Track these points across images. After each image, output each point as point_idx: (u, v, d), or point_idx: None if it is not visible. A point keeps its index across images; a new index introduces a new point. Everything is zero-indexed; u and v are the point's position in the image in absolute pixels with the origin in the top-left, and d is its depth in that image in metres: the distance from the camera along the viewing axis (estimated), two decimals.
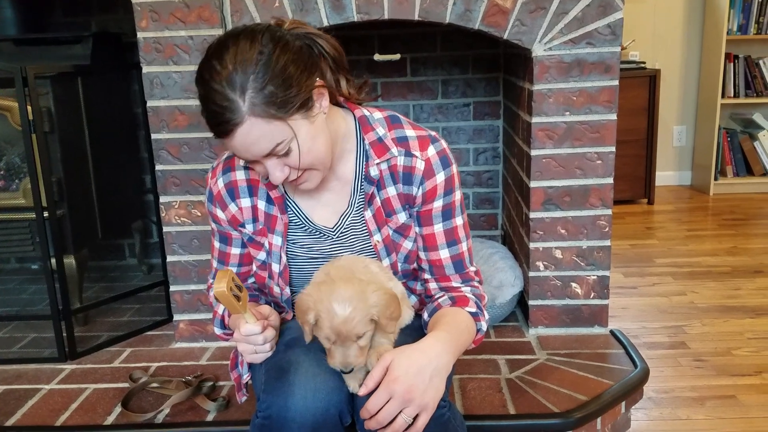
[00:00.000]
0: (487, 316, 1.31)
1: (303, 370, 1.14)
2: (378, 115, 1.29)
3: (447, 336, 1.17)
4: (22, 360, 1.99)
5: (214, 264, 1.39)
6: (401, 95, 2.60)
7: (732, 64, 4.38)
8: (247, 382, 1.42)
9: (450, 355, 1.15)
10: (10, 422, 1.66)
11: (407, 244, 1.30)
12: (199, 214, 1.96)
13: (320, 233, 1.29)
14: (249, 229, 1.31)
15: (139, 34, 1.85)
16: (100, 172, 2.32)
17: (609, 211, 1.94)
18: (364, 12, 1.82)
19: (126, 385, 1.81)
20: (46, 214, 1.92)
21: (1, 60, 2.22)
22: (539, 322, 2.02)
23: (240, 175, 1.29)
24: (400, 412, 1.09)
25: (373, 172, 1.26)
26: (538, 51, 1.85)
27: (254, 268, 1.35)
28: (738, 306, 2.71)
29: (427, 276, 1.33)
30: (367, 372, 1.13)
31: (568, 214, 1.94)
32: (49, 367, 1.95)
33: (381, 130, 1.27)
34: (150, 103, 1.90)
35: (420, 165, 1.25)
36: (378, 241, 1.28)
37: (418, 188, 1.26)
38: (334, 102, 1.24)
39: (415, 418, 1.10)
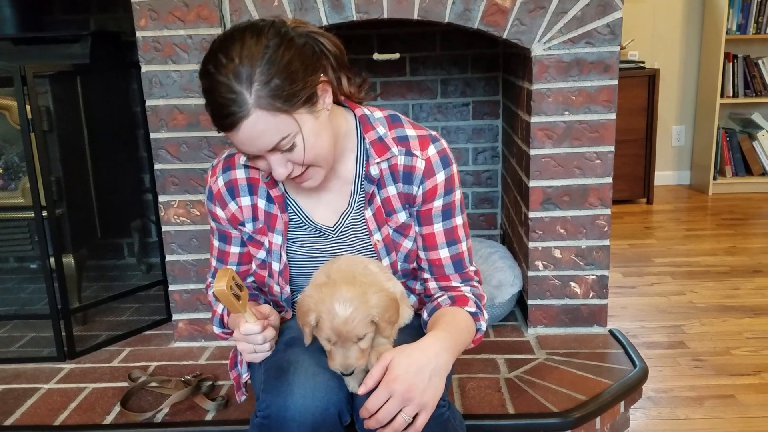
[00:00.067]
0: (486, 316, 1.31)
1: (302, 370, 1.14)
2: (378, 114, 1.29)
3: (446, 335, 1.17)
4: (21, 359, 1.99)
5: (213, 263, 1.39)
6: (400, 95, 2.60)
7: (731, 63, 4.38)
8: (246, 382, 1.42)
9: (449, 355, 1.15)
10: (8, 422, 1.66)
11: (407, 244, 1.30)
12: (198, 213, 1.96)
13: (320, 232, 1.29)
14: (249, 227, 1.31)
15: (138, 33, 1.85)
16: (99, 171, 2.32)
17: (608, 211, 1.94)
18: (363, 11, 1.82)
19: (125, 384, 1.81)
20: (45, 213, 1.92)
21: (0, 59, 2.22)
22: (538, 322, 2.02)
23: (240, 174, 1.29)
24: (399, 412, 1.09)
25: (374, 171, 1.26)
26: (537, 50, 1.85)
27: (254, 267, 1.35)
28: (737, 306, 2.71)
29: (426, 275, 1.33)
30: (367, 371, 1.13)
31: (567, 214, 1.94)
32: (48, 366, 1.95)
33: (381, 129, 1.27)
34: (149, 102, 1.90)
35: (420, 164, 1.25)
36: (378, 240, 1.28)
37: (419, 187, 1.26)
38: (335, 101, 1.24)
39: (414, 418, 1.10)
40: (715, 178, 4.51)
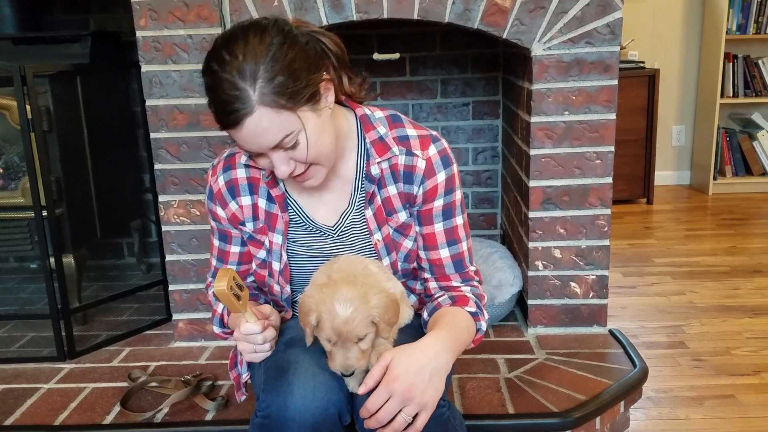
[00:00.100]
0: (486, 316, 1.31)
1: (302, 370, 1.14)
2: (379, 114, 1.29)
3: (447, 335, 1.17)
4: (21, 359, 1.99)
5: (214, 262, 1.39)
6: (400, 95, 2.60)
7: (731, 63, 4.38)
8: (246, 382, 1.42)
9: (449, 355, 1.15)
10: (8, 421, 1.66)
11: (407, 243, 1.30)
12: (198, 213, 1.96)
13: (321, 232, 1.29)
14: (249, 227, 1.31)
15: (138, 33, 1.85)
16: (99, 171, 2.32)
17: (608, 211, 1.94)
18: (363, 11, 1.82)
19: (125, 384, 1.81)
20: (44, 213, 1.92)
21: (0, 59, 2.22)
22: (538, 322, 2.02)
23: (241, 173, 1.29)
24: (399, 411, 1.09)
25: (374, 170, 1.26)
26: (537, 50, 1.85)
27: (254, 266, 1.35)
28: (737, 306, 2.71)
29: (427, 275, 1.33)
30: (367, 371, 1.13)
31: (567, 214, 1.94)
32: (47, 366, 1.95)
33: (382, 129, 1.27)
34: (149, 102, 1.89)
35: (421, 164, 1.25)
36: (378, 240, 1.28)
37: (419, 187, 1.26)
38: (336, 100, 1.24)
39: (414, 417, 1.10)
40: (715, 178, 4.51)
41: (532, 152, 1.91)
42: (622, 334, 1.97)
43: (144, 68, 1.87)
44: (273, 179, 1.28)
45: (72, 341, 1.99)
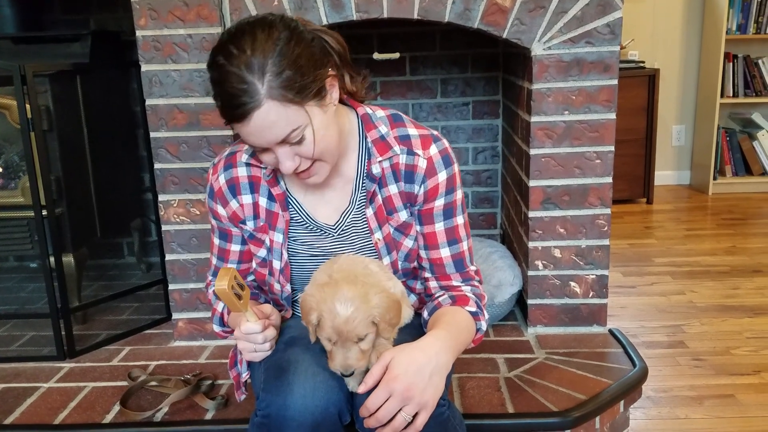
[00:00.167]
0: (486, 316, 1.31)
1: (302, 369, 1.14)
2: (380, 113, 1.30)
3: (447, 335, 1.17)
4: (21, 358, 1.99)
5: (214, 261, 1.39)
6: (400, 94, 2.60)
7: (731, 63, 4.38)
8: (246, 381, 1.42)
9: (449, 354, 1.15)
10: (8, 420, 1.66)
11: (408, 243, 1.30)
12: (197, 212, 1.96)
13: (321, 231, 1.29)
14: (250, 225, 1.31)
15: (138, 33, 1.85)
16: (99, 170, 2.32)
17: (608, 211, 1.94)
18: (363, 11, 1.82)
19: (125, 383, 1.81)
20: (44, 212, 1.92)
21: (0, 58, 2.22)
22: (538, 321, 2.02)
23: (242, 172, 1.29)
24: (399, 411, 1.09)
25: (375, 169, 1.26)
26: (537, 50, 1.85)
27: (254, 265, 1.35)
28: (737, 305, 2.71)
29: (427, 274, 1.33)
30: (367, 370, 1.13)
31: (567, 214, 1.94)
32: (47, 365, 1.95)
33: (383, 128, 1.27)
34: (149, 102, 1.89)
35: (422, 163, 1.25)
36: (379, 239, 1.28)
37: (420, 186, 1.26)
38: (338, 99, 1.24)
39: (414, 417, 1.10)
40: (715, 178, 4.51)
41: (532, 152, 1.91)
42: (622, 333, 1.97)
43: (144, 68, 1.87)
44: (274, 178, 1.28)
45: (72, 340, 1.99)
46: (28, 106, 1.86)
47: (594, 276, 1.98)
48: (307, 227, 1.30)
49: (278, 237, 1.28)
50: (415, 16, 1.82)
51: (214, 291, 1.32)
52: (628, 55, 4.45)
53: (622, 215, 4.12)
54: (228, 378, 1.77)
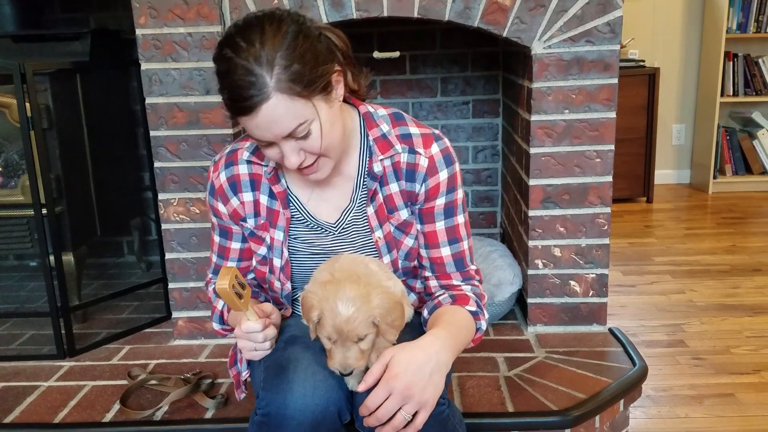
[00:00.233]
0: (486, 316, 1.31)
1: (302, 368, 1.14)
2: (382, 111, 1.30)
3: (447, 334, 1.17)
4: (21, 357, 1.99)
5: (214, 258, 1.39)
6: (400, 93, 2.60)
7: (731, 62, 4.38)
8: (246, 380, 1.42)
9: (449, 353, 1.15)
10: (8, 419, 1.66)
11: (408, 242, 1.30)
12: (197, 211, 1.96)
13: (322, 229, 1.29)
14: (250, 223, 1.31)
15: (138, 31, 1.84)
16: (99, 169, 2.32)
17: (608, 210, 1.94)
18: (363, 9, 1.82)
19: (124, 382, 1.81)
20: (44, 211, 1.92)
21: (0, 56, 2.22)
22: (538, 320, 2.02)
23: (243, 170, 1.29)
24: (399, 409, 1.09)
25: (377, 168, 1.26)
26: (537, 49, 1.85)
27: (254, 263, 1.35)
28: (736, 304, 2.71)
29: (427, 273, 1.33)
30: (367, 369, 1.13)
31: (567, 213, 1.94)
32: (47, 364, 1.95)
33: (385, 127, 1.27)
34: (148, 100, 1.89)
35: (423, 162, 1.25)
36: (379, 238, 1.28)
37: (421, 185, 1.26)
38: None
39: (414, 415, 1.10)
40: (715, 177, 4.51)
41: (532, 151, 1.91)
42: (622, 332, 1.97)
43: (144, 66, 1.87)
44: (275, 176, 1.28)
45: (72, 339, 1.99)
46: (28, 105, 1.86)
47: (594, 275, 1.98)
48: (307, 225, 1.30)
49: (279, 235, 1.28)
50: (415, 15, 1.82)
51: (214, 289, 1.33)
52: (629, 54, 4.45)
53: (622, 214, 4.12)
54: (228, 377, 1.77)
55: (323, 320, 1.11)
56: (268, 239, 1.30)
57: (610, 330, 2.00)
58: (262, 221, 1.30)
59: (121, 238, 2.84)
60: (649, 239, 3.63)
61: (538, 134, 1.90)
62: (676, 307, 2.70)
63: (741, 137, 4.53)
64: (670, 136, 4.75)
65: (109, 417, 1.64)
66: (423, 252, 1.31)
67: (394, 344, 1.17)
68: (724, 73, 4.36)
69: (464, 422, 1.28)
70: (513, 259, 2.19)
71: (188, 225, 1.97)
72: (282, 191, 1.28)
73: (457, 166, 1.28)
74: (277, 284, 1.32)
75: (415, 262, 1.34)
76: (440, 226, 1.28)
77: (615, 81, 1.86)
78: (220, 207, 1.31)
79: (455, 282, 1.31)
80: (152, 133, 1.92)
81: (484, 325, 1.30)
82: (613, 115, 1.88)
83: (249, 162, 1.28)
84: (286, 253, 1.29)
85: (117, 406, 1.68)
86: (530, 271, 1.99)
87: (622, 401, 1.70)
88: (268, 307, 1.25)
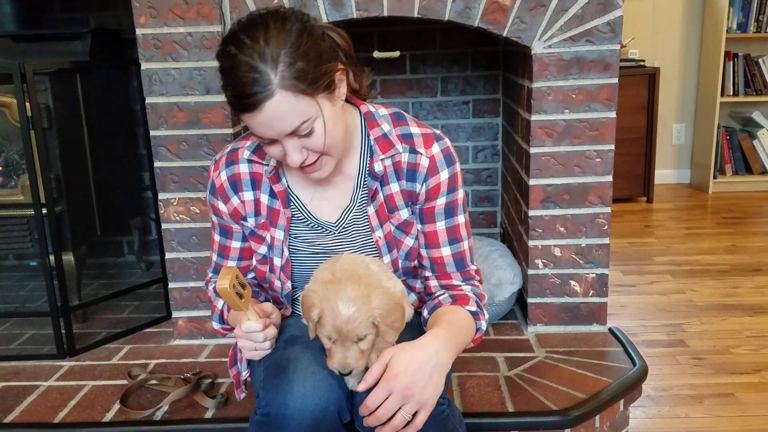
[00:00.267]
0: (486, 316, 1.31)
1: (302, 368, 1.14)
2: (383, 111, 1.30)
3: (447, 334, 1.17)
4: (21, 357, 1.99)
5: (214, 258, 1.39)
6: (400, 93, 2.60)
7: (731, 62, 4.38)
8: (246, 379, 1.42)
9: (449, 353, 1.15)
10: (8, 419, 1.66)
11: (408, 241, 1.30)
12: (197, 211, 1.96)
13: (322, 228, 1.29)
14: (251, 222, 1.31)
15: (138, 31, 1.84)
16: (99, 168, 2.32)
17: (608, 209, 1.94)
18: (363, 9, 1.82)
19: (125, 382, 1.81)
20: (44, 210, 1.92)
21: (0, 56, 2.22)
22: (538, 320, 2.02)
23: (243, 169, 1.29)
24: (399, 409, 1.09)
25: (377, 167, 1.26)
26: (537, 48, 1.85)
27: (254, 262, 1.35)
28: (737, 304, 2.71)
29: (428, 273, 1.33)
30: (367, 369, 1.13)
31: (567, 212, 1.94)
32: (47, 363, 1.95)
33: (386, 126, 1.27)
34: (149, 100, 1.89)
35: (424, 162, 1.25)
36: (379, 237, 1.28)
37: (422, 185, 1.26)
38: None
39: (414, 415, 1.10)
40: (715, 177, 4.51)
41: (532, 150, 1.91)
42: (622, 332, 1.97)
43: (144, 66, 1.87)
44: (276, 175, 1.28)
45: (72, 339, 1.99)
46: (28, 105, 1.86)
47: (594, 275, 1.98)
48: (308, 224, 1.30)
49: (279, 234, 1.28)
50: (416, 15, 1.82)
51: (215, 288, 1.33)
52: (629, 54, 4.45)
53: (622, 214, 4.12)
54: (228, 376, 1.77)
55: (323, 319, 1.11)
56: (268, 238, 1.30)
57: (610, 330, 2.00)
58: (263, 220, 1.30)
59: (121, 238, 2.84)
60: (649, 239, 3.63)
61: (538, 134, 1.90)
62: (676, 307, 2.70)
63: (741, 137, 4.53)
64: (670, 136, 4.75)
65: (109, 417, 1.64)
66: (423, 252, 1.31)
67: (393, 345, 1.18)
68: (724, 73, 4.36)
69: (464, 422, 1.28)
70: (513, 259, 2.19)
71: (188, 225, 1.97)
72: (282, 190, 1.28)
73: (457, 166, 1.28)
74: (277, 283, 1.32)
75: (416, 262, 1.34)
76: (441, 226, 1.28)
77: (615, 81, 1.86)
78: (221, 206, 1.31)
79: (455, 282, 1.31)
80: (152, 133, 1.92)
81: (484, 325, 1.30)
82: (613, 114, 1.88)
83: (250, 161, 1.28)
84: (286, 253, 1.29)
85: (117, 406, 1.68)
86: (530, 271, 1.99)
87: (622, 401, 1.70)
88: (269, 306, 1.25)
